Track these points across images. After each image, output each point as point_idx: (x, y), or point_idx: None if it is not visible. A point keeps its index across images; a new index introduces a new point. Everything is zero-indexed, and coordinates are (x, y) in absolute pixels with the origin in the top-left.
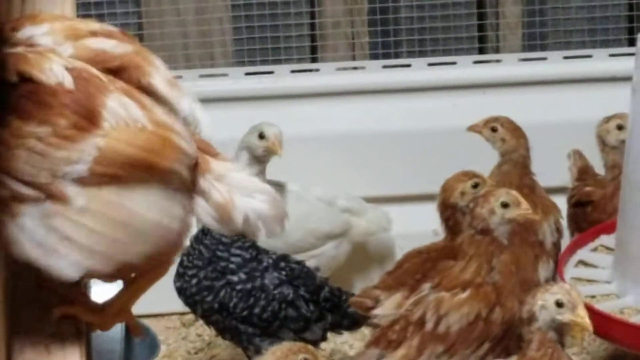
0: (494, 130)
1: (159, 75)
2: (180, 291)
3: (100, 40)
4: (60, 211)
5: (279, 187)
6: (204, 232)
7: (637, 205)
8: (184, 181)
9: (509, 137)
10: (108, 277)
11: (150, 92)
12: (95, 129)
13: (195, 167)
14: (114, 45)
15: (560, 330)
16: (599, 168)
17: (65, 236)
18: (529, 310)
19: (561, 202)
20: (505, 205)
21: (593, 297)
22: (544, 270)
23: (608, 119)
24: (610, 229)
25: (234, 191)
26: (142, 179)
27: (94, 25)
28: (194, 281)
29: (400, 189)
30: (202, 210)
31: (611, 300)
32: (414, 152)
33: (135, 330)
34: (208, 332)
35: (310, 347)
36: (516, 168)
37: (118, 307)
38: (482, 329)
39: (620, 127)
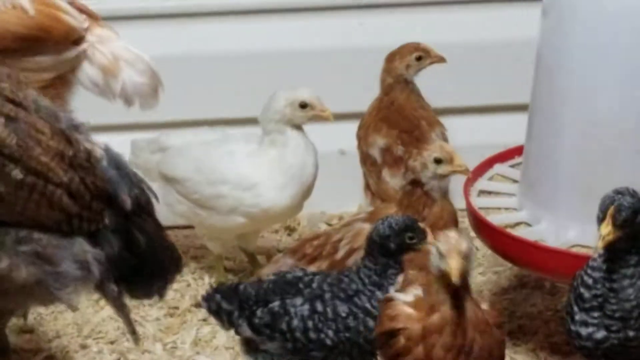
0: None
1: None
2: None
3: None
4: None
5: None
6: None
7: (543, 133)
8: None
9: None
10: None
11: None
12: None
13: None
14: None
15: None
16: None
17: None
18: None
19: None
20: (438, 161)
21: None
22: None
23: None
24: (502, 158)
25: (117, 58)
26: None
27: None
28: None
29: None
30: (84, 72)
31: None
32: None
33: None
34: None
35: None
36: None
37: None
38: None
39: None
